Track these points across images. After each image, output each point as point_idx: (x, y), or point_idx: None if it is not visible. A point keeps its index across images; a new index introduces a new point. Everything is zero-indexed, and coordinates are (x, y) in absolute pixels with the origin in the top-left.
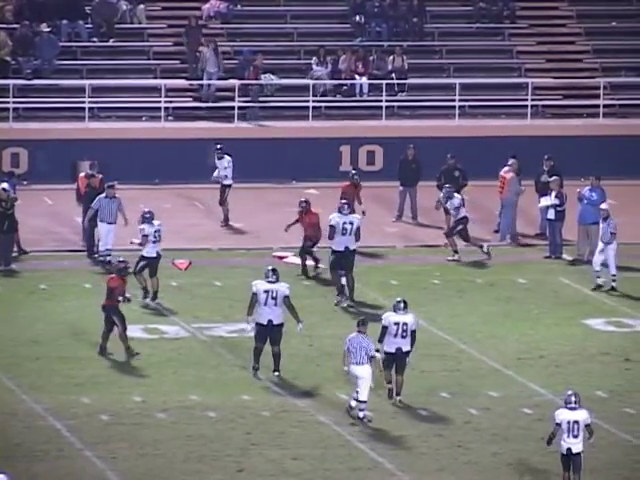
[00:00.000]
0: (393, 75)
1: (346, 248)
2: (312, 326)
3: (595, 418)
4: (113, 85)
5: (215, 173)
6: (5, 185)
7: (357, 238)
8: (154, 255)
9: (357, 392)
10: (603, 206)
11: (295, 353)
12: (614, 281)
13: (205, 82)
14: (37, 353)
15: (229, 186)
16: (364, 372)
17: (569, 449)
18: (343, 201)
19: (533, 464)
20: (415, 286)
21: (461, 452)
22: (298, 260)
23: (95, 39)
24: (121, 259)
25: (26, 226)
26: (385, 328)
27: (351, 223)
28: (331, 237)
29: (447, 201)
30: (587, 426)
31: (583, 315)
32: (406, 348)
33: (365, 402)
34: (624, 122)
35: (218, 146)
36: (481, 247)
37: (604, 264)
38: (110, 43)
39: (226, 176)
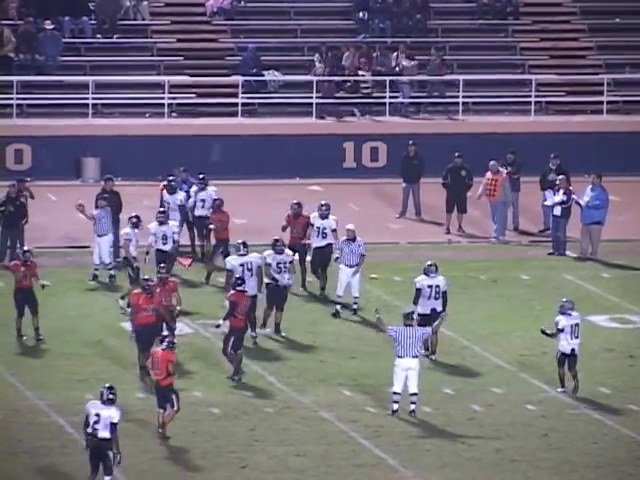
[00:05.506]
0: (397, 71)
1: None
2: (315, 322)
3: (598, 414)
4: (116, 81)
5: (196, 207)
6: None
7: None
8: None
9: (394, 392)
10: (349, 226)
11: (298, 349)
12: (356, 304)
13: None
14: (40, 349)
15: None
16: (413, 364)
17: (573, 349)
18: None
19: (536, 460)
20: None
21: (464, 448)
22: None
23: (99, 35)
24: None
25: (29, 223)
26: (419, 291)
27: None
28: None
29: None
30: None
31: (586, 312)
32: (439, 308)
33: (417, 394)
34: (627, 118)
35: (201, 176)
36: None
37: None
38: (113, 39)
39: (210, 208)
